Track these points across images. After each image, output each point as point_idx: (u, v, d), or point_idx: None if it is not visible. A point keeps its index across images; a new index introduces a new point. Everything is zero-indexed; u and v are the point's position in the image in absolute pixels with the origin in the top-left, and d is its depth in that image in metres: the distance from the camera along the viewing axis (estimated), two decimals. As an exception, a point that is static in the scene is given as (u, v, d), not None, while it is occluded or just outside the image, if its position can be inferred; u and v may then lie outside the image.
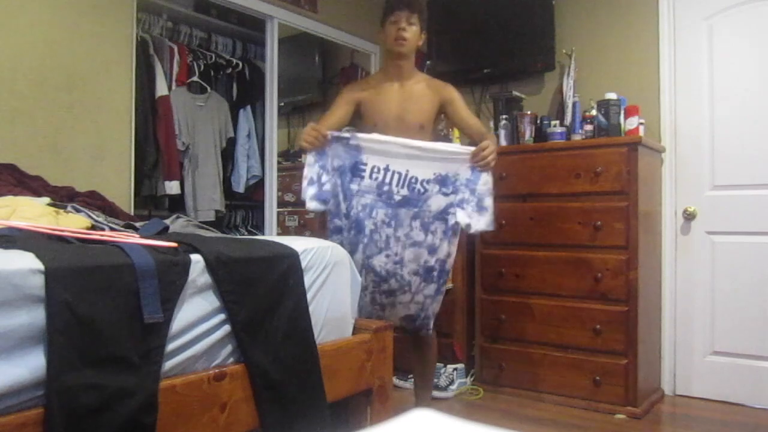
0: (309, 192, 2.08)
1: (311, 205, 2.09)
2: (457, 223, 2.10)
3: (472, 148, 2.11)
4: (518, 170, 3.03)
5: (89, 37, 2.52)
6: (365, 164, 2.05)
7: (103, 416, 1.05)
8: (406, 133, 2.16)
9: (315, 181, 2.08)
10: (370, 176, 2.05)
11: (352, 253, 1.95)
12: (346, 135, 2.11)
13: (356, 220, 2.05)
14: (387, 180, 2.04)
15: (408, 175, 2.04)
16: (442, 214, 2.08)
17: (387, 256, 2.07)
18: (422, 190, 2.04)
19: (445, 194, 2.06)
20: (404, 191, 2.04)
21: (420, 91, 2.29)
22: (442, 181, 2.06)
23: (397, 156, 2.06)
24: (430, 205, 2.07)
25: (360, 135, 2.12)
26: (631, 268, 2.71)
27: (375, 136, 2.11)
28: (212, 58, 3.69)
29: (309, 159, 2.07)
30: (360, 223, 2.05)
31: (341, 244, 1.96)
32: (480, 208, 2.09)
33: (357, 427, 1.70)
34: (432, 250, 2.10)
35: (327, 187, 2.07)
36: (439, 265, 2.12)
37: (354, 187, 2.05)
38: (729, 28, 2.94)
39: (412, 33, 2.20)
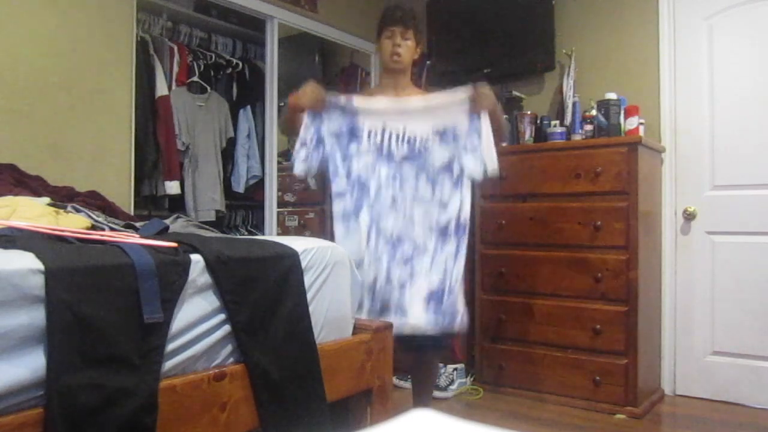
0: (300, 154, 2.01)
1: (299, 167, 2.02)
2: (463, 171, 2.01)
3: (466, 94, 2.03)
4: (518, 170, 3.03)
5: (89, 37, 2.52)
6: (362, 128, 2.02)
7: (103, 416, 1.05)
8: None
9: (306, 143, 2.02)
10: (368, 139, 2.01)
11: (356, 213, 1.90)
12: (344, 100, 2.08)
13: (358, 180, 2.00)
14: (386, 140, 2.00)
15: (406, 133, 2.00)
16: (448, 166, 2.01)
17: (396, 214, 1.99)
18: (423, 149, 1.99)
19: (447, 145, 2.00)
20: (404, 149, 2.00)
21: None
22: (442, 134, 2.01)
23: (393, 113, 2.02)
24: (433, 159, 2.01)
25: (356, 98, 2.09)
26: (631, 268, 2.71)
27: (371, 99, 2.09)
28: (212, 58, 3.69)
29: (306, 120, 2.02)
30: (363, 183, 1.99)
31: (344, 210, 1.91)
32: (484, 154, 2.01)
33: (357, 427, 1.70)
34: (442, 205, 2.01)
35: (318, 153, 2.01)
36: (454, 220, 2.00)
37: (353, 147, 2.01)
38: (729, 28, 2.94)
39: (406, 48, 2.19)
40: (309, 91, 2.03)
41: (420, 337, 2.08)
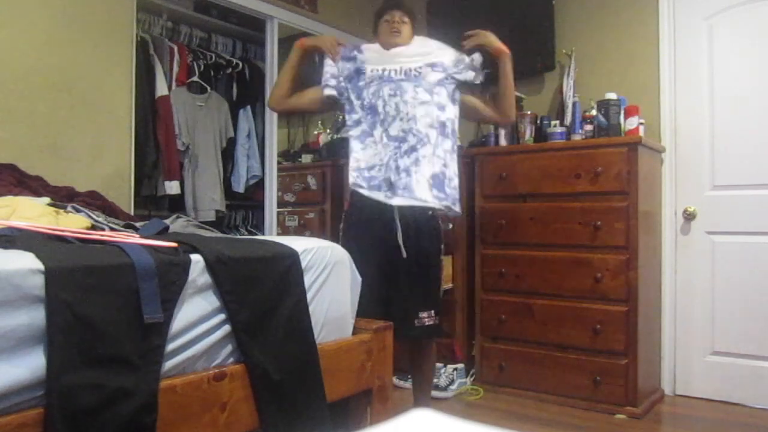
0: (330, 82, 2.38)
1: (329, 90, 2.38)
2: (456, 87, 2.34)
3: (455, 51, 2.38)
4: (518, 170, 3.03)
5: (89, 37, 2.52)
6: (365, 69, 2.33)
7: (103, 416, 1.05)
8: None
9: (336, 75, 2.39)
10: (371, 73, 2.31)
11: (371, 131, 2.25)
12: (351, 50, 2.40)
13: (370, 106, 2.28)
14: (386, 73, 2.30)
15: (403, 68, 2.29)
16: (441, 82, 2.31)
17: (401, 118, 2.24)
18: (417, 73, 2.29)
19: (438, 72, 2.31)
20: (401, 75, 2.29)
21: None
22: (432, 65, 2.31)
23: (391, 62, 2.33)
24: (429, 78, 2.29)
25: (361, 48, 2.39)
26: (631, 268, 2.71)
27: (374, 47, 2.39)
28: (212, 58, 3.69)
29: (326, 60, 2.42)
30: (373, 107, 2.27)
31: (362, 131, 2.27)
32: (473, 68, 2.37)
33: (357, 427, 1.70)
34: (440, 107, 2.28)
35: (341, 85, 2.37)
36: (450, 122, 2.31)
37: (361, 83, 2.32)
38: (729, 28, 2.94)
39: (405, 28, 2.36)
40: (330, 42, 2.37)
41: (417, 329, 2.23)
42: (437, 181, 2.22)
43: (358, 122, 2.33)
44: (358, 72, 2.34)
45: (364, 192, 2.23)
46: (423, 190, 2.18)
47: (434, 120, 2.25)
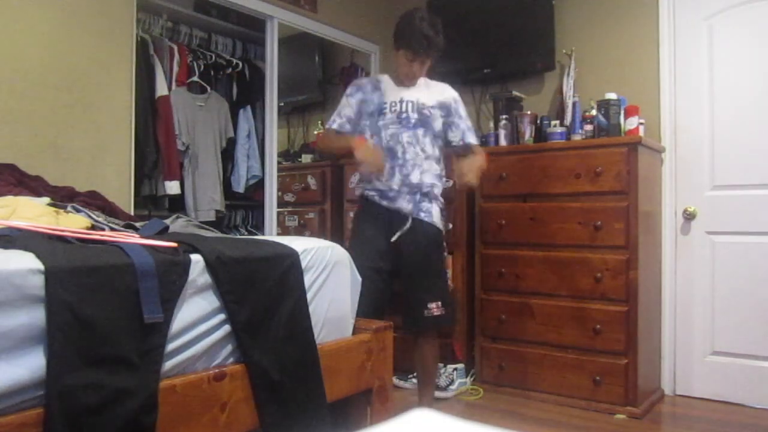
0: (345, 127, 2.52)
1: (332, 125, 2.54)
2: (450, 140, 2.58)
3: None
4: (518, 170, 3.03)
5: (89, 37, 2.52)
6: (386, 103, 2.47)
7: (103, 416, 1.05)
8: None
9: (345, 121, 2.53)
10: (390, 110, 2.45)
11: (391, 177, 2.41)
12: (376, 83, 2.54)
13: (388, 148, 2.43)
14: (404, 109, 2.45)
15: (418, 101, 2.46)
16: (440, 131, 2.54)
17: (420, 170, 2.46)
18: (428, 114, 2.47)
19: (443, 117, 2.53)
20: (416, 115, 2.45)
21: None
22: (441, 105, 2.51)
23: (406, 90, 2.49)
24: (436, 124, 2.50)
25: (383, 80, 2.55)
26: (631, 268, 2.71)
27: (391, 81, 2.53)
28: (212, 58, 3.69)
29: (348, 101, 2.55)
30: (392, 150, 2.43)
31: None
32: (467, 127, 2.58)
33: (357, 427, 1.70)
34: (437, 160, 2.54)
35: (350, 126, 2.53)
36: (441, 170, 2.58)
37: (380, 123, 2.45)
38: (729, 28, 2.94)
39: (422, 71, 2.48)
40: (378, 159, 2.35)
41: (428, 319, 2.43)
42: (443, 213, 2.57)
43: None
44: (380, 110, 2.46)
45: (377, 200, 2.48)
46: (436, 218, 2.51)
47: (435, 171, 2.50)
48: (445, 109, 2.52)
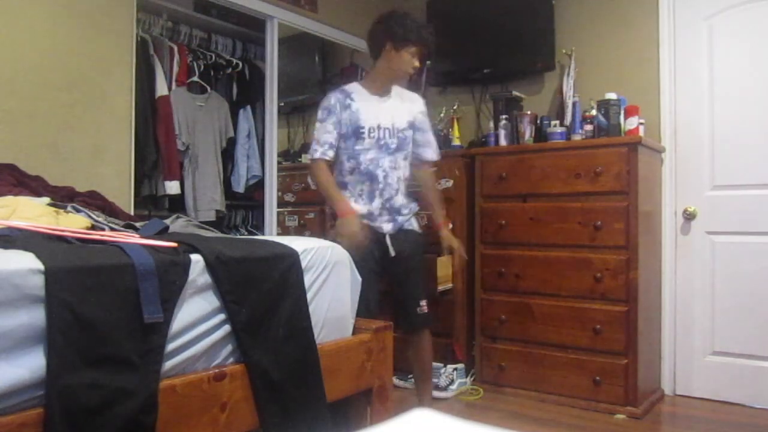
0: (328, 153, 2.45)
1: (325, 157, 2.45)
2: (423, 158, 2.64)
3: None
4: (518, 170, 3.03)
5: (89, 37, 2.52)
6: (363, 128, 2.43)
7: (103, 416, 1.05)
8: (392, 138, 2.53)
9: (328, 147, 2.46)
10: (369, 136, 2.44)
11: (371, 200, 2.44)
12: (347, 100, 2.46)
13: (367, 172, 2.44)
14: (382, 136, 2.46)
15: (394, 126, 2.48)
16: (415, 151, 2.60)
17: (401, 193, 2.52)
18: (404, 137, 2.51)
19: (413, 133, 2.56)
20: (395, 141, 2.48)
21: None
22: (411, 124, 2.55)
23: (381, 110, 2.47)
24: (409, 146, 2.56)
25: (357, 98, 2.47)
26: (631, 268, 2.71)
27: (368, 100, 2.48)
28: (212, 58, 3.69)
29: (326, 127, 2.47)
30: (371, 174, 2.44)
31: (361, 193, 2.44)
32: (428, 142, 2.64)
33: (357, 427, 1.70)
34: (414, 177, 2.63)
35: (332, 151, 2.48)
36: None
37: (358, 147, 2.44)
38: (729, 28, 2.94)
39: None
40: (360, 239, 2.34)
41: (421, 316, 2.50)
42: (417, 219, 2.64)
43: (355, 178, 2.46)
44: (357, 133, 2.43)
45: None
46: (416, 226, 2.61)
47: (407, 189, 2.57)
48: (414, 126, 2.56)
